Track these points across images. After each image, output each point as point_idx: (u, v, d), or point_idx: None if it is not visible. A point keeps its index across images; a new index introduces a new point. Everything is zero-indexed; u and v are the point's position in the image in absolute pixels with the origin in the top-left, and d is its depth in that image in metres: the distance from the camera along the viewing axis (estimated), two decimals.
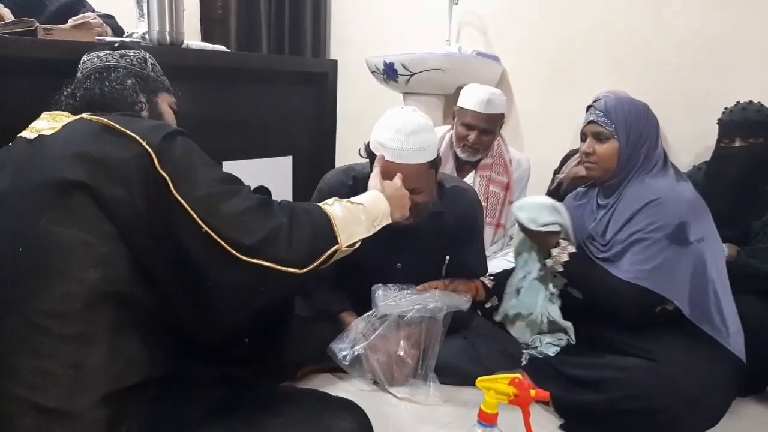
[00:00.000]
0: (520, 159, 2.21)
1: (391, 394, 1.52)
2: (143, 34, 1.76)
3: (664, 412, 1.28)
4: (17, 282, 0.86)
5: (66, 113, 1.03)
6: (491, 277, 1.77)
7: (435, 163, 1.47)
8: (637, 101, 1.54)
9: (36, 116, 1.04)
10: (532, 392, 0.97)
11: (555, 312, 1.61)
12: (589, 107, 1.58)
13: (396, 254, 1.60)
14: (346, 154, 1.90)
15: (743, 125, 1.70)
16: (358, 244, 1.06)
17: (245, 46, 3.22)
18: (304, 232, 0.96)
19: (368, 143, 1.46)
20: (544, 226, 1.54)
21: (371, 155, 1.43)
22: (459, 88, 2.17)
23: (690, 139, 2.15)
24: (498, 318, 1.71)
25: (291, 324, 1.29)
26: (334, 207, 1.05)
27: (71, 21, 1.61)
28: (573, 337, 1.60)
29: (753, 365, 1.41)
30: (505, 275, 1.74)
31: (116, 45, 1.19)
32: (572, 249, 1.53)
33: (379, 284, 1.55)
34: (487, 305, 1.75)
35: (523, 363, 1.59)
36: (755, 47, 2.03)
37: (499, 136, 2.16)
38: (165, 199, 0.89)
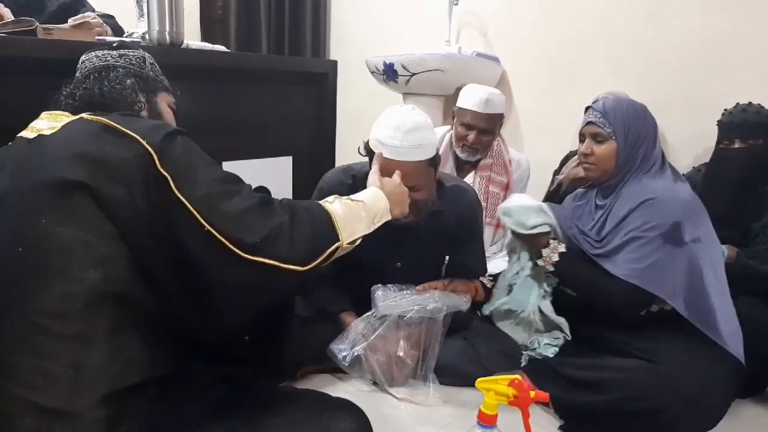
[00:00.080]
0: (520, 159, 2.21)
1: (391, 394, 1.51)
2: (143, 34, 1.76)
3: (664, 412, 1.28)
4: (17, 282, 0.86)
5: (65, 113, 1.03)
6: (491, 278, 1.77)
7: (434, 161, 1.47)
8: (635, 102, 1.55)
9: (36, 116, 1.04)
10: (532, 393, 0.97)
11: (547, 307, 1.61)
12: (587, 108, 1.59)
13: (396, 253, 1.60)
14: (346, 154, 1.90)
15: (743, 127, 1.70)
16: (358, 241, 1.06)
17: (245, 47, 3.22)
18: (305, 230, 0.96)
19: (367, 141, 1.47)
20: (533, 228, 1.54)
21: (370, 153, 1.44)
22: (459, 89, 2.17)
23: (690, 139, 2.15)
24: (486, 312, 1.70)
25: (291, 324, 1.29)
26: (334, 205, 1.06)
27: (71, 21, 1.61)
28: (568, 333, 1.60)
29: (753, 366, 1.40)
30: None
31: (115, 45, 1.19)
32: (562, 249, 1.53)
33: (379, 285, 1.55)
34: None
35: (523, 364, 1.59)
36: (755, 47, 2.03)
37: (499, 136, 2.16)
38: (166, 198, 0.89)
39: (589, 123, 1.53)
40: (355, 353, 1.49)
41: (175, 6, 1.70)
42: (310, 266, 0.95)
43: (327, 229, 1.00)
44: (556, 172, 2.27)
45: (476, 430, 0.95)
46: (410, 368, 1.54)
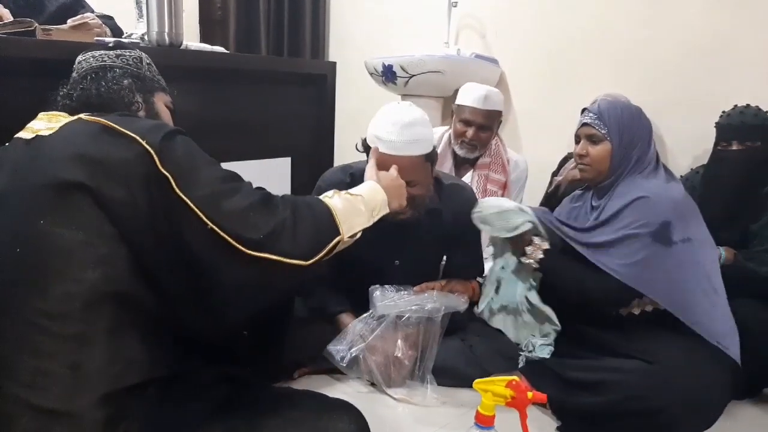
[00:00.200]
0: (518, 160, 2.22)
1: (389, 395, 1.51)
2: (142, 34, 1.76)
3: (662, 413, 1.28)
4: (17, 282, 0.86)
5: (63, 113, 1.03)
6: None
7: (430, 157, 1.49)
8: (631, 105, 1.56)
9: (34, 116, 1.04)
10: (530, 394, 0.97)
11: (534, 297, 1.62)
12: (583, 110, 1.60)
13: (394, 251, 1.61)
14: (345, 156, 1.90)
15: (741, 128, 1.70)
16: (359, 235, 1.08)
17: (244, 47, 3.22)
18: (307, 225, 0.97)
19: (365, 138, 1.48)
20: (516, 229, 1.54)
21: (368, 149, 1.46)
22: (457, 91, 2.18)
23: (689, 140, 2.15)
24: (478, 311, 1.69)
25: (291, 324, 1.29)
26: (333, 199, 1.07)
27: (70, 21, 1.61)
28: (557, 323, 1.60)
29: (751, 368, 1.41)
30: None
31: (110, 45, 1.19)
32: (546, 246, 1.54)
33: (377, 285, 1.55)
34: None
35: (520, 365, 1.59)
36: (755, 48, 2.03)
37: (497, 136, 2.18)
38: (167, 198, 0.89)
39: (584, 124, 1.55)
40: (353, 354, 1.49)
41: (174, 7, 1.70)
42: (313, 260, 0.96)
43: (328, 223, 1.02)
44: (555, 174, 2.28)
45: (474, 431, 0.96)
46: (408, 369, 1.54)
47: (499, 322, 1.67)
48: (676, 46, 2.21)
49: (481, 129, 2.06)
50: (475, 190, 1.95)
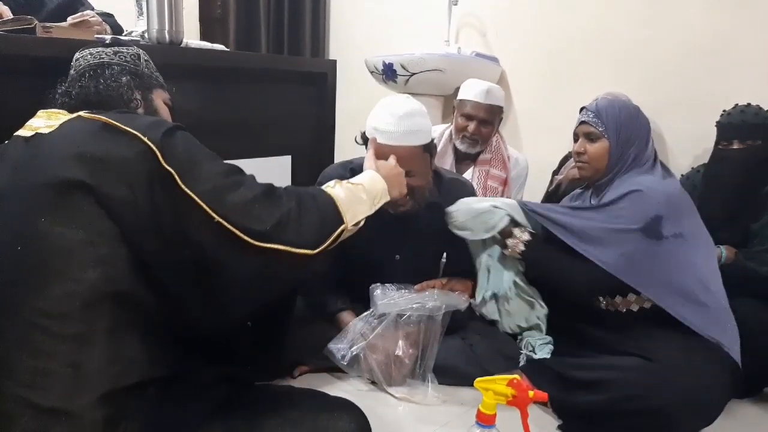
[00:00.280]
0: (518, 158, 2.23)
1: (390, 394, 1.51)
2: (142, 32, 1.75)
3: (662, 411, 1.28)
4: (17, 282, 0.86)
5: (62, 111, 1.03)
6: None
7: (429, 148, 1.50)
8: (629, 103, 1.57)
9: (34, 114, 1.03)
10: (531, 393, 0.97)
11: (522, 279, 1.62)
12: (582, 109, 1.60)
13: (395, 245, 1.62)
14: (346, 154, 1.90)
15: (742, 127, 1.70)
16: (362, 223, 1.09)
17: (244, 46, 3.22)
18: (311, 215, 0.99)
19: (364, 131, 1.50)
20: (495, 227, 1.55)
21: (367, 141, 1.47)
22: (458, 89, 2.18)
23: (690, 139, 2.15)
24: (478, 300, 1.67)
25: (291, 323, 1.29)
26: (336, 189, 1.09)
27: (70, 19, 1.61)
28: (542, 303, 1.62)
29: (752, 367, 1.41)
30: None
31: (108, 41, 1.19)
32: (527, 237, 1.54)
33: (378, 284, 1.55)
34: None
35: (521, 364, 1.59)
36: (755, 48, 2.03)
37: (498, 133, 2.18)
38: (172, 193, 0.89)
39: (582, 122, 1.56)
40: (354, 352, 1.49)
41: (175, 5, 1.70)
42: (319, 249, 0.97)
43: (332, 213, 1.03)
44: (555, 173, 2.28)
45: (475, 430, 0.95)
46: (409, 367, 1.54)
47: (490, 310, 1.67)
48: (676, 46, 2.21)
49: (482, 123, 2.07)
50: (475, 186, 1.96)
